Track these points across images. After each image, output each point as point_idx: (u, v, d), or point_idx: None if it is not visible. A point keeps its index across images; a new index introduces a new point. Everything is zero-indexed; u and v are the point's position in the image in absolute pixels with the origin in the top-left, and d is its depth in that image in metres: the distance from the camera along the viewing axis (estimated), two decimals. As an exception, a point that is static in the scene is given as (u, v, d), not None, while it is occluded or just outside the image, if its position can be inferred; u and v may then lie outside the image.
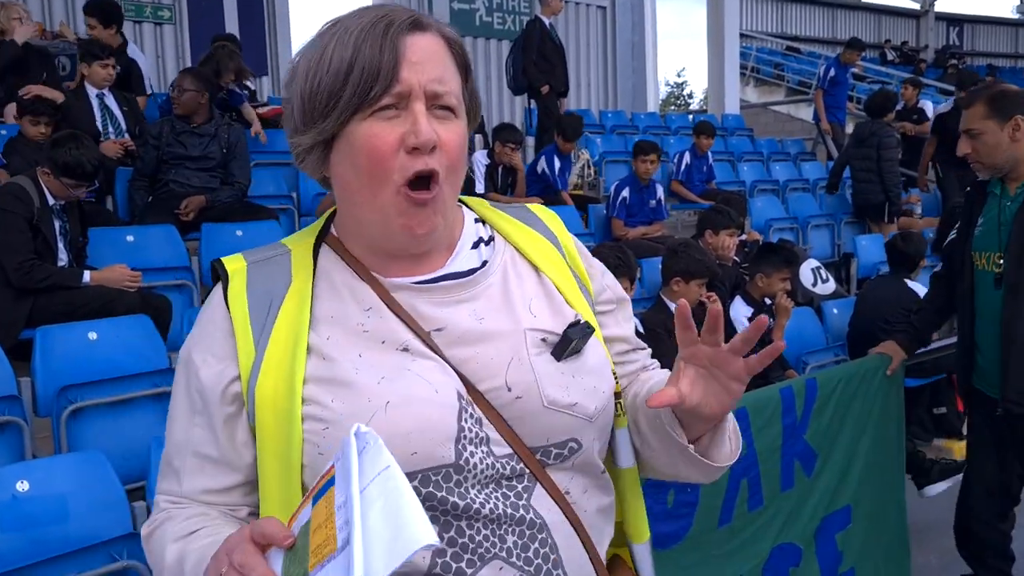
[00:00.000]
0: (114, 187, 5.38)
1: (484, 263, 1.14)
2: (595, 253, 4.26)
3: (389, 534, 0.75)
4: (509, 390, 1.05)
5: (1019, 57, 27.50)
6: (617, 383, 1.17)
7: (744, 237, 5.83)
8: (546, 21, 8.18)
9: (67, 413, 3.13)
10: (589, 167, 8.50)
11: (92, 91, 5.49)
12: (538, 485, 1.06)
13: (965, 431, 3.51)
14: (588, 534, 1.10)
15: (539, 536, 1.05)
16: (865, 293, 5.44)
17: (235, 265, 1.10)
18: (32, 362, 3.37)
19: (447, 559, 1.00)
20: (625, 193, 6.54)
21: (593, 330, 1.12)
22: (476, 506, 1.01)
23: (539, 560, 1.04)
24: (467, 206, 1.21)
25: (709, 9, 12.50)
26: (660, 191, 6.74)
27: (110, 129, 5.52)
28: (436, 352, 1.05)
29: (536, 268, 1.16)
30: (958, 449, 5.14)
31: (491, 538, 1.02)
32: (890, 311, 5.00)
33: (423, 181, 1.02)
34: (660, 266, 4.55)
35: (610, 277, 1.27)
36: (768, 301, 4.86)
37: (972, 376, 3.20)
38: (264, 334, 1.04)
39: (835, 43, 23.23)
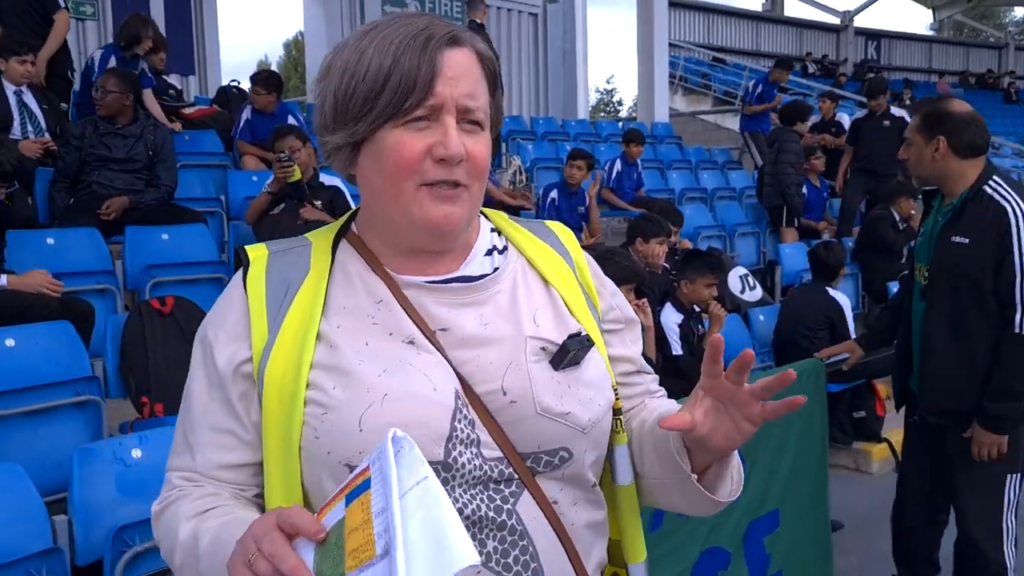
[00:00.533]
0: (33, 188, 5.19)
1: (495, 270, 1.17)
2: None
3: (431, 550, 0.76)
4: (504, 394, 1.07)
5: (933, 72, 28.63)
6: (617, 399, 1.18)
7: (675, 244, 5.93)
8: (482, 26, 8.15)
9: (-18, 422, 3.02)
10: (521, 173, 8.55)
11: (9, 88, 5.29)
12: (525, 491, 1.07)
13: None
14: (575, 547, 1.10)
15: (520, 543, 1.05)
16: (789, 301, 5.61)
17: (257, 252, 1.15)
18: (-54, 369, 3.24)
19: None
20: (554, 195, 6.62)
21: (593, 343, 1.14)
22: (459, 507, 1.01)
23: (518, 567, 1.05)
24: (485, 216, 1.24)
25: (639, 18, 12.70)
26: (588, 197, 6.84)
27: (29, 127, 5.34)
28: (439, 350, 1.08)
29: (545, 280, 1.19)
30: (876, 452, 5.33)
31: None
32: (812, 318, 5.17)
33: (443, 184, 1.06)
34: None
35: (621, 298, 1.29)
36: (696, 308, 4.96)
37: (909, 379, 3.29)
38: (278, 318, 1.08)
39: (759, 55, 23.89)
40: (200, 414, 1.10)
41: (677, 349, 4.75)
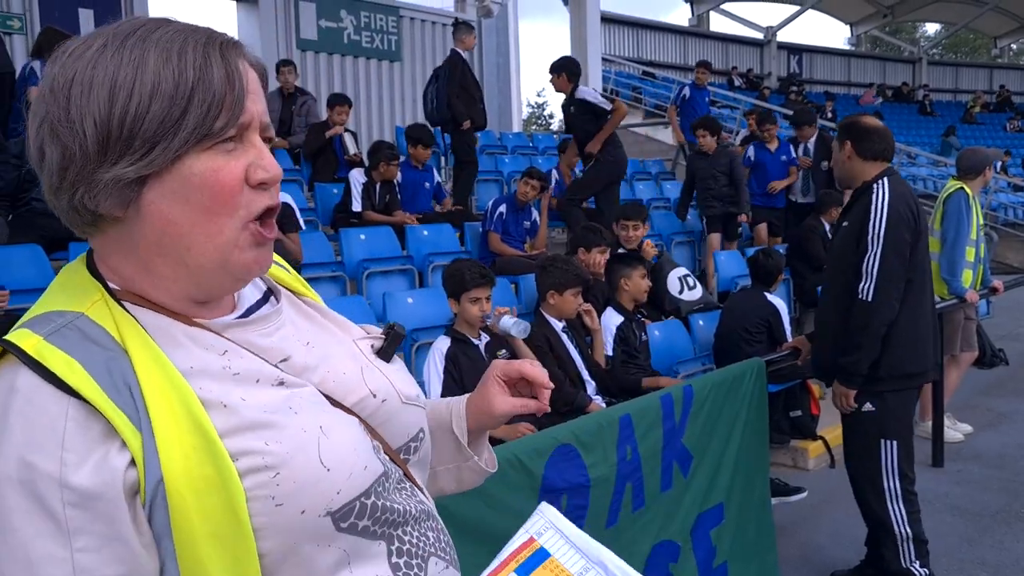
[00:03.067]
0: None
1: (266, 292, 1.11)
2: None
3: None
4: (374, 396, 1.06)
5: (852, 85, 29.64)
6: None
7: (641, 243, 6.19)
8: (463, 55, 8.09)
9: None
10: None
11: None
12: (411, 482, 1.09)
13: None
14: None
15: (437, 526, 1.10)
16: (729, 305, 5.79)
17: (29, 342, 0.86)
18: None
19: (404, 570, 1.01)
20: (502, 208, 6.72)
21: (404, 328, 1.19)
22: (402, 509, 1.03)
23: (450, 548, 1.11)
24: None
25: (572, 33, 12.95)
26: (535, 214, 6.98)
27: (-38, 147, 5.23)
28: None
29: (296, 293, 1.16)
30: (812, 449, 5.55)
31: (420, 537, 1.05)
32: (751, 321, 5.37)
33: (269, 214, 0.96)
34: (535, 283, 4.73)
35: None
36: (640, 313, 5.13)
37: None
38: (138, 406, 0.85)
39: (687, 69, 24.42)
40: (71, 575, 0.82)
41: (609, 350, 4.89)
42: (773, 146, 8.77)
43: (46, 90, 0.90)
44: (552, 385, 1.27)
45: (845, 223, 3.61)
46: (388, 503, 1.00)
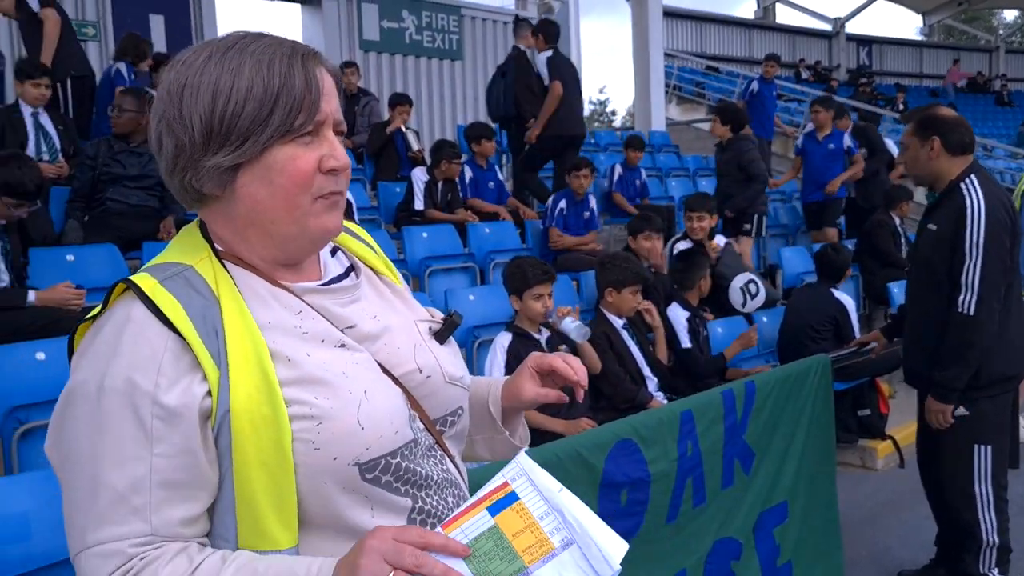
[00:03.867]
0: (49, 207, 5.31)
1: (348, 268, 1.28)
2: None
3: (602, 537, 1.04)
4: (420, 371, 1.21)
5: (924, 76, 28.83)
6: None
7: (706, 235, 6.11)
8: (526, 51, 8.04)
9: (17, 434, 3.11)
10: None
11: (26, 109, 5.41)
12: (442, 452, 1.23)
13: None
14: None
15: (460, 494, 1.23)
16: (793, 302, 5.69)
17: (148, 283, 1.06)
18: (-20, 383, 3.34)
19: (418, 526, 1.14)
20: (563, 204, 6.74)
21: (461, 316, 1.33)
22: (427, 474, 1.17)
23: None
24: None
25: (634, 29, 12.84)
26: (593, 202, 6.96)
27: (43, 148, 5.45)
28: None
29: (377, 272, 1.32)
30: (881, 448, 5.43)
31: (440, 502, 1.18)
32: (816, 318, 5.27)
33: (335, 195, 1.14)
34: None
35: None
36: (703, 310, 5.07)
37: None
38: (220, 348, 1.04)
39: (752, 62, 24.05)
40: (142, 475, 1.00)
41: (686, 342, 4.87)
42: (823, 134, 8.35)
43: (163, 92, 1.10)
44: (580, 380, 1.36)
45: (932, 226, 3.37)
46: (413, 466, 1.14)
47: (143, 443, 1.00)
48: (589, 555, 1.03)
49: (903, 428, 5.29)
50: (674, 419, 2.84)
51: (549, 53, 7.45)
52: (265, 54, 1.08)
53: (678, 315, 4.98)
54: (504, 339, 4.03)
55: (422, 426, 1.19)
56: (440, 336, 1.28)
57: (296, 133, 1.08)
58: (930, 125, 3.37)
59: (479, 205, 7.17)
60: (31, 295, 3.82)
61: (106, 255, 4.65)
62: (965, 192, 3.27)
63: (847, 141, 8.30)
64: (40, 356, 3.47)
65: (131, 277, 1.08)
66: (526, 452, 1.12)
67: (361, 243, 1.34)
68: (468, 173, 7.28)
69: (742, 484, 3.18)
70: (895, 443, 5.33)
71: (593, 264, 5.50)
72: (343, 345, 1.14)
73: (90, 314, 1.09)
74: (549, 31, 7.49)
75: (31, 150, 5.39)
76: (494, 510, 1.04)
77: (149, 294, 1.05)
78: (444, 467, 1.21)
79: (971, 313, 3.19)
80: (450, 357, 1.28)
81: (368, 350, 1.17)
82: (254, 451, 1.03)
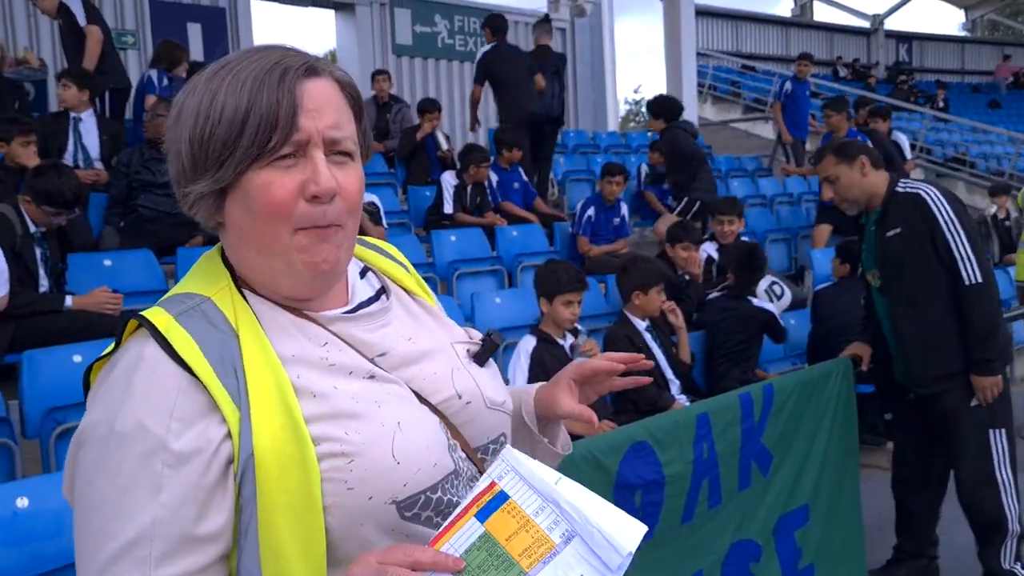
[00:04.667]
0: (87, 213, 5.47)
1: (379, 290, 1.20)
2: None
3: (613, 524, 0.94)
4: (460, 397, 1.13)
5: (966, 72, 28.34)
6: None
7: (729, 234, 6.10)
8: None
9: (55, 434, 3.23)
10: (553, 186, 8.72)
11: (72, 115, 5.60)
12: None
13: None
14: None
15: None
16: (818, 303, 5.64)
17: (161, 319, 0.99)
18: (19, 385, 3.46)
19: None
20: (590, 212, 6.76)
21: (503, 337, 1.28)
22: None
23: None
24: None
25: (666, 29, 12.82)
26: (624, 209, 6.97)
27: (79, 156, 5.62)
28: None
29: (408, 292, 1.24)
30: (910, 451, 5.37)
31: None
32: (845, 317, 5.21)
33: (318, 228, 1.03)
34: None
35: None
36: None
37: (892, 373, 3.74)
38: (240, 386, 0.97)
39: (789, 60, 23.80)
40: (149, 525, 0.92)
41: None
42: (838, 136, 7.93)
43: (171, 115, 1.05)
44: (620, 367, 1.33)
45: (895, 231, 3.50)
46: (455, 499, 1.05)
47: (150, 491, 0.93)
48: (594, 545, 0.93)
49: (933, 431, 5.24)
50: (690, 422, 2.87)
51: (487, 48, 7.79)
52: (243, 72, 1.00)
53: None
54: (528, 343, 4.08)
55: (464, 455, 1.11)
56: (479, 358, 1.21)
57: (272, 155, 0.99)
58: (848, 150, 3.63)
59: (511, 209, 7.23)
60: (68, 300, 3.95)
61: (142, 260, 4.79)
62: (911, 190, 3.51)
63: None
64: (77, 359, 3.59)
65: (145, 312, 1.01)
66: (510, 446, 1.05)
67: (392, 261, 1.28)
68: (494, 177, 7.35)
69: (760, 486, 3.19)
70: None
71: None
72: (373, 376, 1.07)
73: (105, 351, 1.04)
74: (496, 25, 7.83)
75: (68, 157, 5.55)
76: (483, 515, 0.95)
77: (163, 331, 0.98)
78: None
79: (979, 279, 3.35)
80: (490, 381, 1.20)
81: (402, 377, 1.10)
82: (281, 495, 0.95)
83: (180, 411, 0.95)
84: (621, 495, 2.62)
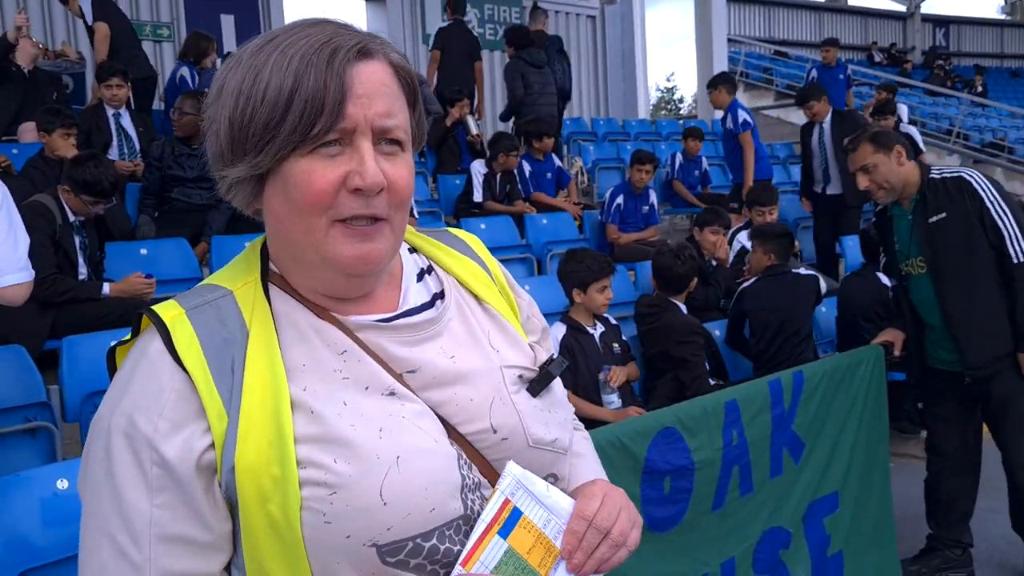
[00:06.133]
0: (124, 202, 5.58)
1: (436, 295, 1.09)
2: (569, 263, 4.25)
3: None
4: (495, 432, 1.01)
5: (1005, 56, 27.82)
6: None
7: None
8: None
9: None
10: (583, 174, 8.72)
11: (109, 110, 5.69)
12: None
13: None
14: None
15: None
16: (843, 291, 5.58)
17: (170, 313, 0.94)
18: (59, 371, 3.55)
19: None
20: (619, 200, 6.76)
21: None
22: None
23: None
24: None
25: (697, 16, 12.74)
26: (653, 196, 6.96)
27: (124, 148, 5.73)
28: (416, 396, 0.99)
29: (478, 298, 1.13)
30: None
31: None
32: (866, 307, 5.17)
33: (362, 218, 0.95)
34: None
35: (535, 307, 1.25)
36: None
37: (924, 360, 3.76)
38: (234, 392, 0.91)
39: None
40: (142, 527, 0.89)
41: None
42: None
43: (212, 90, 0.98)
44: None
45: (939, 216, 3.51)
46: (458, 548, 0.95)
47: (144, 491, 0.89)
48: None
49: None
50: (719, 408, 2.87)
51: (441, 24, 8.49)
52: (290, 49, 0.92)
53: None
54: (557, 331, 4.08)
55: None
56: (533, 388, 1.06)
57: (315, 142, 0.92)
58: (885, 139, 3.60)
59: (543, 199, 7.24)
60: (105, 287, 4.04)
61: (176, 248, 4.87)
62: (952, 175, 3.54)
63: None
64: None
65: (156, 306, 0.97)
66: (512, 460, 1.02)
67: (467, 258, 1.16)
68: (527, 168, 7.36)
69: (792, 473, 3.18)
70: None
71: (649, 254, 5.52)
72: (392, 393, 0.96)
73: (125, 338, 1.01)
74: (456, 4, 8.46)
75: (113, 150, 5.66)
76: (504, 532, 0.97)
77: (168, 326, 0.93)
78: None
79: None
80: (540, 414, 1.05)
81: (432, 400, 0.99)
82: (261, 514, 0.90)
83: (169, 411, 0.90)
84: (649, 481, 2.63)
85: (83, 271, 4.21)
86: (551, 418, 1.07)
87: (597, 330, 4.16)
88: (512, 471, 1.00)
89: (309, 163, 0.92)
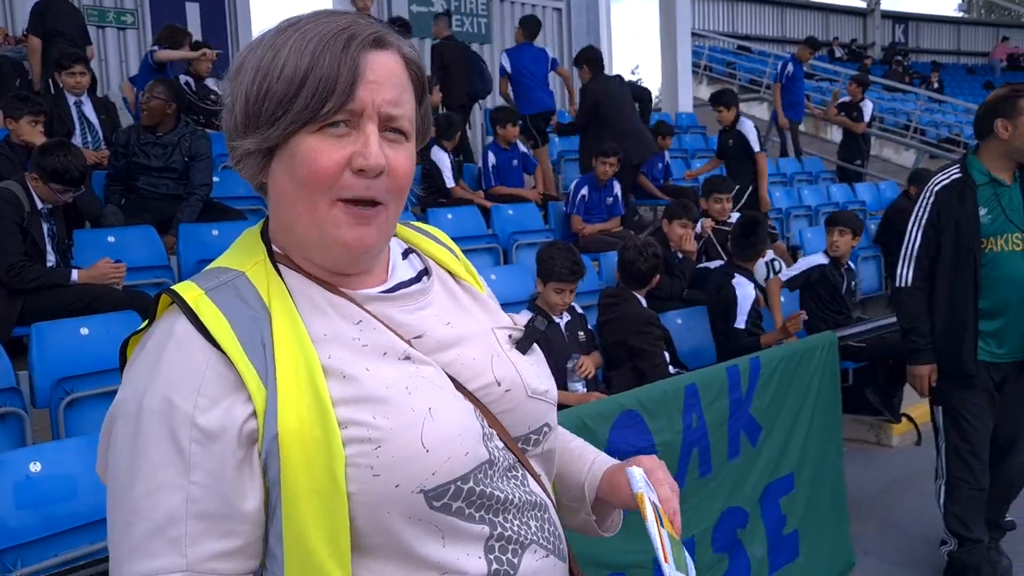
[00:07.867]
0: (91, 187, 5.55)
1: (421, 271, 1.17)
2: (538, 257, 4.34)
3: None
4: (499, 384, 1.09)
5: (961, 54, 28.36)
6: None
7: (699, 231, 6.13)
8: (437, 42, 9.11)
9: (64, 403, 3.33)
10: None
11: (71, 98, 5.66)
12: (525, 472, 1.12)
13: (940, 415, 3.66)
14: (560, 515, 1.21)
15: (545, 516, 1.12)
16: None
17: (192, 294, 0.98)
18: (29, 357, 3.57)
19: (497, 553, 1.05)
20: (584, 191, 6.84)
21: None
22: (505, 497, 1.06)
23: (554, 538, 1.13)
24: None
25: (661, 9, 12.84)
26: (617, 188, 7.04)
27: (88, 136, 5.69)
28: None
29: (455, 277, 1.21)
30: (897, 426, 5.52)
31: (521, 525, 1.08)
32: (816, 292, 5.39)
33: (363, 201, 1.00)
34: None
35: (495, 298, 1.32)
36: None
37: (976, 354, 3.46)
38: (268, 365, 0.95)
39: (785, 42, 23.84)
40: (179, 504, 0.92)
41: (741, 322, 4.95)
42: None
43: (233, 70, 1.03)
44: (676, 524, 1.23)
45: None
46: (488, 489, 1.03)
47: (180, 469, 0.92)
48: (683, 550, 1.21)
49: (920, 407, 5.36)
50: (679, 392, 2.97)
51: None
52: (310, 32, 0.98)
53: (746, 292, 5.00)
54: (523, 319, 4.14)
55: (501, 444, 1.08)
56: (522, 345, 1.17)
57: (323, 121, 0.97)
58: (1014, 103, 3.39)
59: (501, 191, 7.32)
60: (74, 274, 4.04)
61: (143, 235, 4.88)
62: None
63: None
64: (84, 331, 3.69)
65: (176, 287, 1.00)
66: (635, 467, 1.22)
67: (439, 245, 1.25)
68: (492, 159, 7.41)
69: (748, 456, 3.30)
70: (912, 421, 5.42)
71: (614, 246, 5.63)
72: (408, 357, 1.03)
73: (140, 327, 1.04)
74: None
75: (76, 138, 5.63)
76: (661, 522, 1.14)
77: (192, 306, 0.97)
78: (527, 488, 1.10)
79: None
80: (533, 368, 1.16)
81: (438, 362, 1.06)
82: (306, 479, 0.93)
83: (207, 387, 0.93)
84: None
85: (51, 258, 4.21)
86: (540, 371, 1.17)
87: (563, 318, 4.25)
88: (634, 473, 1.19)
89: (316, 141, 0.98)
